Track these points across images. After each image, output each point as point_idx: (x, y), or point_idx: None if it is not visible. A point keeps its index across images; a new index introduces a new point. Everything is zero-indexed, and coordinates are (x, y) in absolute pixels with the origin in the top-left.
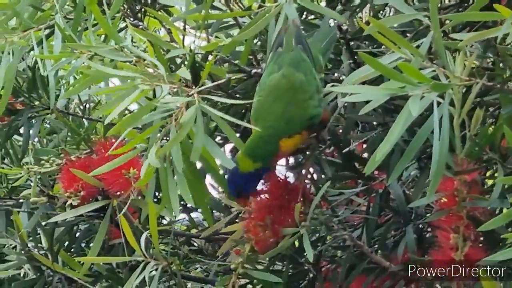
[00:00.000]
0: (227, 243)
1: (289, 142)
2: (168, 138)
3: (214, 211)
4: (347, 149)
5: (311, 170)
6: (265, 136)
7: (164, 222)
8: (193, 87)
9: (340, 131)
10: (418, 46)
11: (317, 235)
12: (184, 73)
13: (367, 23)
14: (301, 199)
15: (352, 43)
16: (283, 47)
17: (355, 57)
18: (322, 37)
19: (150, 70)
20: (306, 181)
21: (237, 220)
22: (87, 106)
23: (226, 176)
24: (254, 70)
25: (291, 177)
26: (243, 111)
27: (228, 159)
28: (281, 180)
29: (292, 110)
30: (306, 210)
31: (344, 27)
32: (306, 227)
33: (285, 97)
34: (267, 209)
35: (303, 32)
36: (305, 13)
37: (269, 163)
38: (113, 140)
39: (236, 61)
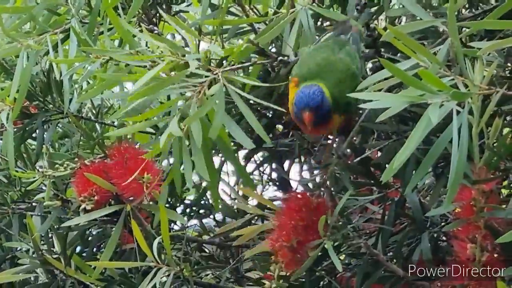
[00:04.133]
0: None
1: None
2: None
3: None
4: (361, 156)
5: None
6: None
7: (176, 227)
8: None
9: (354, 138)
10: (435, 53)
11: (333, 243)
12: (216, 48)
13: (385, 29)
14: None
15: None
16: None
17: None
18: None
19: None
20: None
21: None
22: (100, 110)
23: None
24: (280, 57)
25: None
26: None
27: (248, 139)
28: (305, 200)
29: (342, 86)
30: (329, 222)
31: (372, 25)
32: (329, 237)
33: (338, 74)
34: (293, 229)
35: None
36: (320, 19)
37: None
38: (127, 146)
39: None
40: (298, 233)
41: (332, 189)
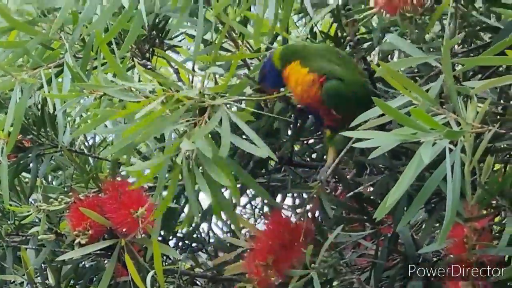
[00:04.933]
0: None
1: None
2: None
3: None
4: (353, 192)
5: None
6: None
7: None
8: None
9: (347, 173)
10: (427, 90)
11: (324, 278)
12: (216, 69)
13: (379, 65)
14: (303, 239)
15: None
16: None
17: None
18: None
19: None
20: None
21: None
22: (93, 144)
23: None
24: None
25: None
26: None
27: (259, 148)
28: (283, 219)
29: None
30: (308, 251)
31: (369, 58)
32: (316, 269)
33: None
34: (269, 248)
35: None
36: None
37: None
38: (121, 180)
39: None
40: (275, 252)
41: (315, 212)
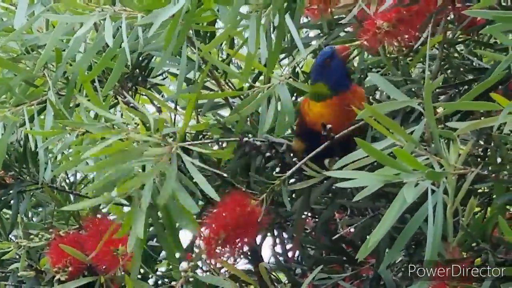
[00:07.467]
0: None
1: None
2: None
3: None
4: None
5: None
6: None
7: None
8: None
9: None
10: (411, 132)
11: None
12: None
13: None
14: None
15: None
16: None
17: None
18: None
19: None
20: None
21: None
22: (74, 181)
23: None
24: (245, 138)
25: None
26: None
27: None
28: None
29: None
30: None
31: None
32: None
33: None
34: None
35: None
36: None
37: None
38: (101, 217)
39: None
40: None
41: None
